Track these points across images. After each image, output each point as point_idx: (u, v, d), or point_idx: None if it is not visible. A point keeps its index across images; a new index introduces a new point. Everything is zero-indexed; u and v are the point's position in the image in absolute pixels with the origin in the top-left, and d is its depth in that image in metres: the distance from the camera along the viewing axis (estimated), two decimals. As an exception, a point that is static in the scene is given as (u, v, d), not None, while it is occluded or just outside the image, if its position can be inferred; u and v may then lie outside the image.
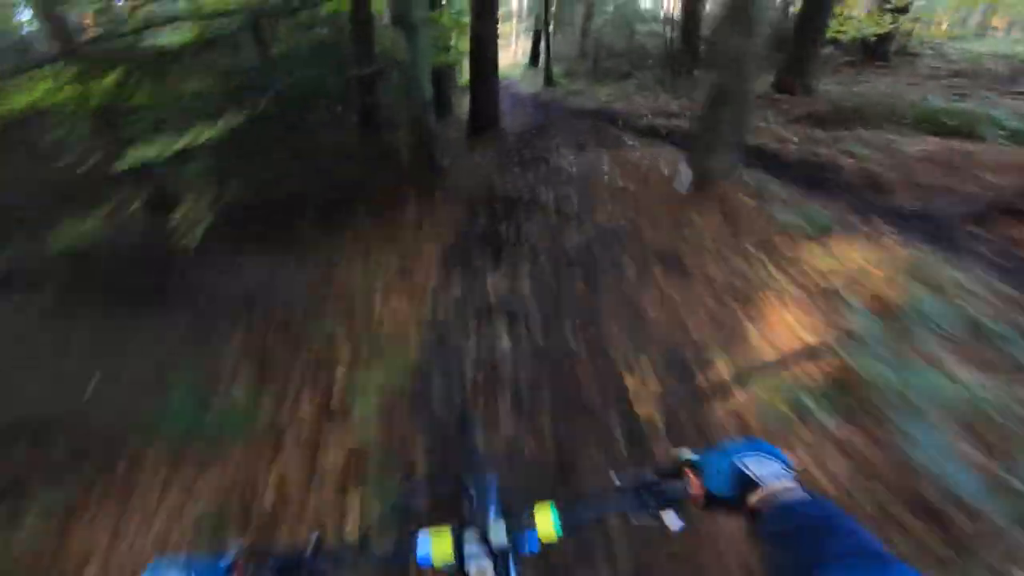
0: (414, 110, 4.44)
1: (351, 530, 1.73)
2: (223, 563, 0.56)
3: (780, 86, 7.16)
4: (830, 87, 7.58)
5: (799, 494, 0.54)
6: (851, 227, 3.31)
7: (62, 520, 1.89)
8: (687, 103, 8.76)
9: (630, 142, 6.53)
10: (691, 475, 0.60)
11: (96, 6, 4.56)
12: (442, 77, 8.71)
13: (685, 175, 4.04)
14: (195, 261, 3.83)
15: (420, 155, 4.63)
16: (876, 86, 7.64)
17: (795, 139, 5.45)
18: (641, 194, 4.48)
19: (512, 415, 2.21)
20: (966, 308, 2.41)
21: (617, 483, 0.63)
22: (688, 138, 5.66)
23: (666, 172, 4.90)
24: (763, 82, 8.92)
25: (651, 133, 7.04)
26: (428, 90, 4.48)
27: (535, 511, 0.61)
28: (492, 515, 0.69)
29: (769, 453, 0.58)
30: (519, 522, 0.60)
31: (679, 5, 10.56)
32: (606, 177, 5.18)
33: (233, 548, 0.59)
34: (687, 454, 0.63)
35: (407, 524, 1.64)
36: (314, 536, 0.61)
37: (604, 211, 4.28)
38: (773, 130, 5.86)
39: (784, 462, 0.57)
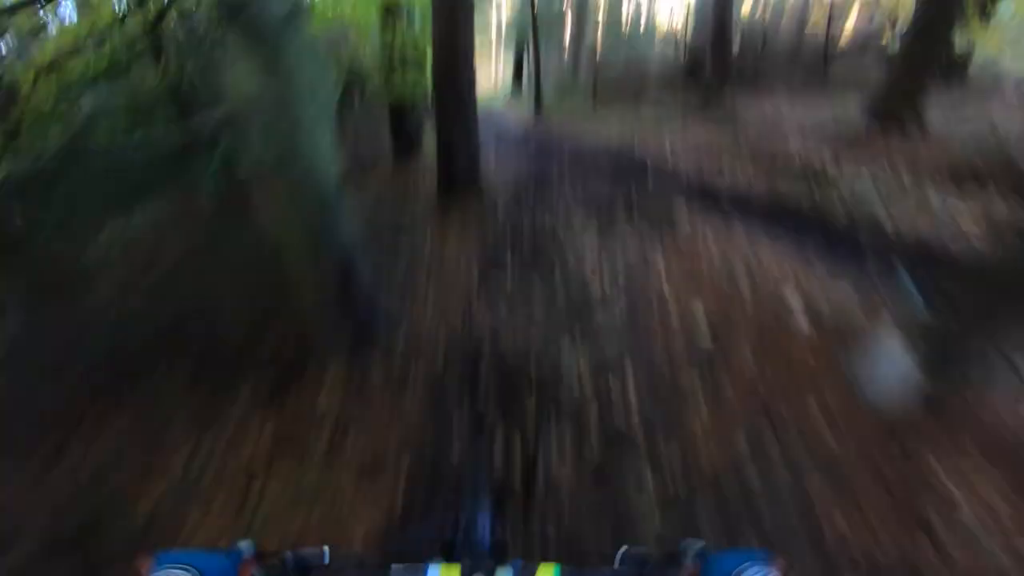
0: (300, 219, 2.10)
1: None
2: (232, 561, 0.56)
3: (882, 122, 5.03)
4: (935, 123, 5.49)
5: None
6: None
7: None
8: (732, 143, 6.59)
9: (684, 218, 4.29)
10: (692, 566, 0.61)
11: None
12: (404, 109, 6.42)
13: (904, 373, 1.79)
14: None
15: (328, 299, 2.31)
16: (993, 121, 5.58)
17: (978, 231, 3.28)
18: (773, 380, 2.22)
19: None
20: None
21: (622, 554, 0.66)
22: (805, 222, 3.09)
23: (799, 312, 2.66)
24: (822, 106, 6.80)
25: (709, 197, 4.75)
26: (330, 170, 2.14)
27: (539, 569, 0.61)
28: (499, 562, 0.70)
29: (766, 565, 0.57)
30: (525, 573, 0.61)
31: (707, 12, 8.50)
32: (672, 309, 2.91)
33: (244, 547, 0.58)
34: (695, 545, 0.62)
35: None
36: (325, 547, 0.63)
37: (704, 432, 2.00)
38: (935, 210, 3.65)
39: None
